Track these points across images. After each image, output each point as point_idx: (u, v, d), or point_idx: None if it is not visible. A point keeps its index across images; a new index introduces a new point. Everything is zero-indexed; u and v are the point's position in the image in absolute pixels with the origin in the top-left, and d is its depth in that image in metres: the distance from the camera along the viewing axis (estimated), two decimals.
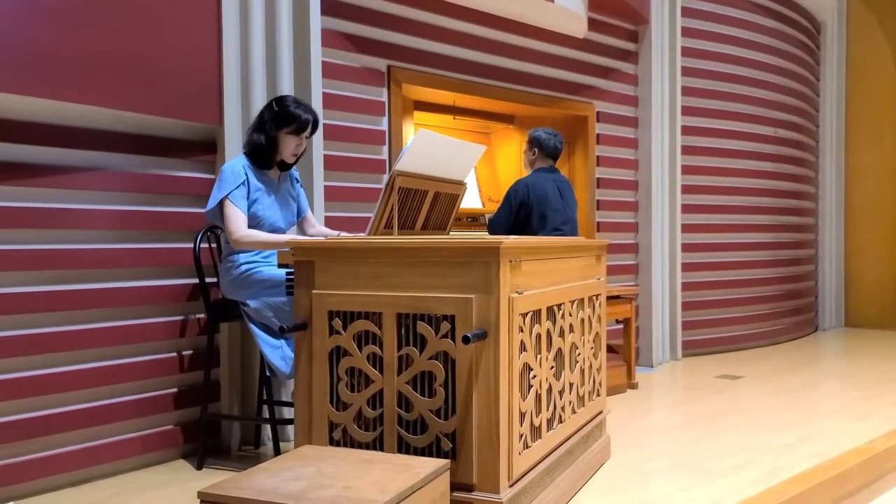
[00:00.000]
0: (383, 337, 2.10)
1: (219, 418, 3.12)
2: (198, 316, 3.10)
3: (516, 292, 2.08)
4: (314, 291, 2.19)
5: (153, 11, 2.87)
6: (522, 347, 2.13)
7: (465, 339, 1.92)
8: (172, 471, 2.89)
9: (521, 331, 2.11)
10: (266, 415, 3.15)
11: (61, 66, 2.60)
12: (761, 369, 5.05)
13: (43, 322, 2.64)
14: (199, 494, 1.62)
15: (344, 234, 2.89)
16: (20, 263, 2.58)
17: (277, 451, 2.80)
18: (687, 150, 5.55)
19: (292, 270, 2.26)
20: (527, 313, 2.16)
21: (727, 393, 4.27)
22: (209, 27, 3.07)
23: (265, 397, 3.06)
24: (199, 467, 2.88)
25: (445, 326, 2.03)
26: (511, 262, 2.05)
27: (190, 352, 3.08)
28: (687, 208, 5.57)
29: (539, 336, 2.26)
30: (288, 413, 3.19)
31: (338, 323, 2.16)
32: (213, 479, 2.74)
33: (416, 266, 2.09)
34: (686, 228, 5.56)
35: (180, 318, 3.04)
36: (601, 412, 2.94)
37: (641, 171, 5.27)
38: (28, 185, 2.61)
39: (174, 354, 3.02)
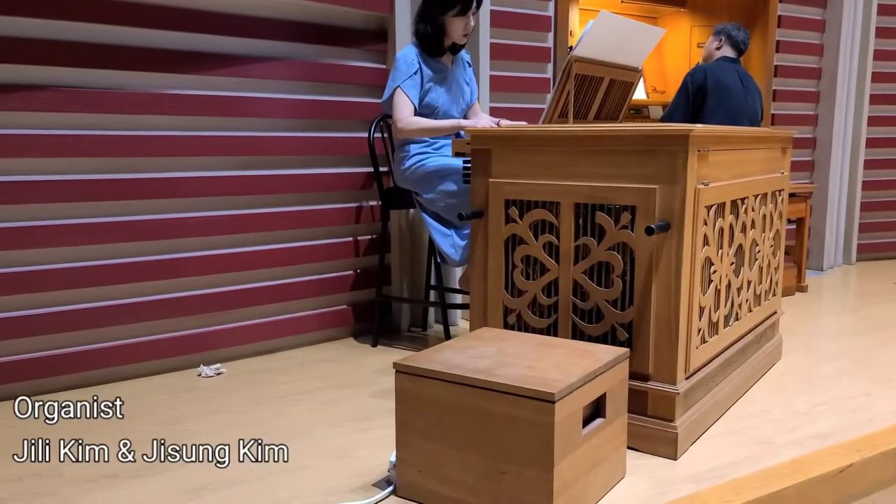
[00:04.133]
0: (560, 226, 2.10)
1: (392, 300, 3.29)
2: (370, 203, 3.23)
3: (702, 183, 1.99)
4: (490, 180, 2.21)
5: None
6: (705, 241, 2.06)
7: (649, 231, 1.88)
8: (349, 346, 3.11)
9: (705, 224, 2.04)
10: (433, 299, 3.30)
11: None
12: None
13: (235, 205, 2.85)
14: (395, 365, 1.73)
15: (504, 121, 2.83)
16: (211, 149, 2.77)
17: (447, 334, 2.93)
18: (882, 32, 4.95)
19: (469, 159, 2.28)
20: (711, 206, 2.07)
21: None
22: None
23: (434, 283, 3.18)
24: (374, 344, 3.09)
25: (626, 217, 2.00)
26: (699, 151, 1.96)
27: (364, 237, 3.24)
28: (877, 99, 5.02)
29: (722, 230, 2.17)
30: (453, 299, 3.31)
31: (514, 211, 2.18)
32: (387, 355, 2.94)
33: (595, 155, 2.04)
34: (873, 121, 5.04)
35: (355, 205, 3.19)
36: (775, 312, 2.83)
37: (827, 57, 4.78)
38: (215, 75, 2.76)
39: (350, 239, 3.19)
